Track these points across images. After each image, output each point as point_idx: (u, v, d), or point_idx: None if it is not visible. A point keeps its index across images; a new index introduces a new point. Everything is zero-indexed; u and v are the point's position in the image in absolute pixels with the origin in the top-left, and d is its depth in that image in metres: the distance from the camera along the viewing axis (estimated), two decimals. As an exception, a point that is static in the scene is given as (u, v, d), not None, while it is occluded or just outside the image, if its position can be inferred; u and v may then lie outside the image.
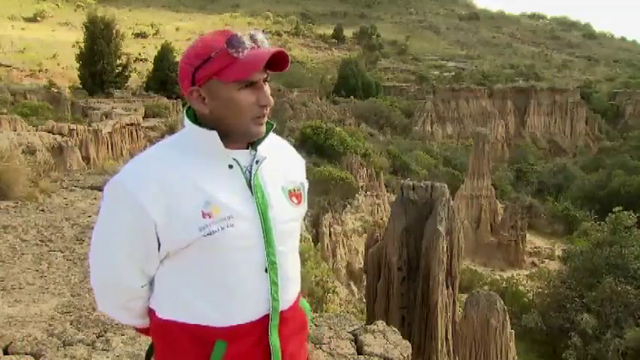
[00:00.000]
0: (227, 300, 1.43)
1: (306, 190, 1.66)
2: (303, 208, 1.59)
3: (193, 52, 1.42)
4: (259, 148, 1.49)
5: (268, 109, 1.45)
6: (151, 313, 1.52)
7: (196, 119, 1.46)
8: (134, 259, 1.44)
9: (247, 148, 1.48)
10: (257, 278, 1.44)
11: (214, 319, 1.42)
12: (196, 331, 1.42)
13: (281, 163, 1.56)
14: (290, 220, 1.52)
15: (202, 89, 1.42)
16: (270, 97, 1.44)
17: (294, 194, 1.55)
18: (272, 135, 1.58)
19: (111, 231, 1.44)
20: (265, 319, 1.46)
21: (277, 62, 1.43)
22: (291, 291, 1.54)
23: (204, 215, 1.37)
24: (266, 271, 1.45)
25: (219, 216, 1.39)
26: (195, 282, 1.43)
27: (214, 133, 1.42)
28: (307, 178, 1.68)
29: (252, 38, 1.41)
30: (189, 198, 1.38)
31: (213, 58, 1.39)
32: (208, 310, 1.42)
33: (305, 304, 1.68)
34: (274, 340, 1.48)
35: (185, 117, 1.48)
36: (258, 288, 1.45)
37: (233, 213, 1.40)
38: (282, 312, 1.49)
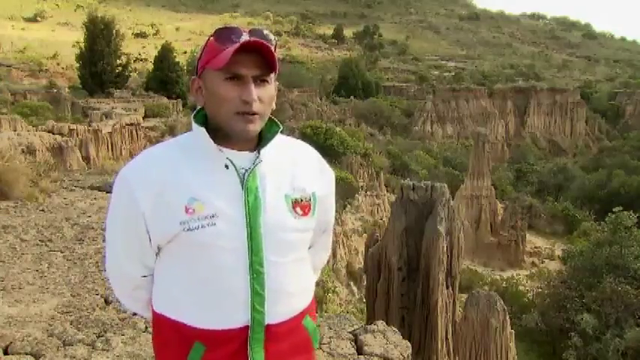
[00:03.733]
0: (206, 301, 1.40)
1: (326, 201, 1.58)
2: (311, 220, 1.50)
3: (202, 46, 1.47)
4: (264, 151, 1.44)
5: (254, 108, 1.38)
6: (151, 304, 1.55)
7: (206, 121, 1.47)
8: (131, 248, 1.47)
9: (254, 151, 1.46)
10: (237, 284, 1.39)
11: (195, 319, 1.40)
12: (179, 329, 1.42)
13: (290, 169, 1.49)
14: (290, 230, 1.44)
15: (201, 80, 1.45)
16: (254, 96, 1.37)
17: (299, 204, 1.47)
18: (291, 140, 1.56)
19: (112, 221, 1.49)
20: (246, 330, 1.41)
21: (268, 60, 1.39)
22: (284, 305, 1.45)
23: (187, 211, 1.36)
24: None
25: (203, 214, 1.36)
26: (180, 278, 1.43)
27: (203, 130, 1.42)
28: None
29: (253, 32, 1.41)
30: (176, 192, 1.38)
31: (207, 47, 1.42)
32: (190, 309, 1.41)
33: (311, 325, 1.55)
34: (257, 355, 1.41)
35: (192, 115, 1.49)
36: (238, 295, 1.39)
37: (217, 212, 1.37)
38: (270, 326, 1.42)
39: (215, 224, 1.37)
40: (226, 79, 1.38)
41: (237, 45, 1.34)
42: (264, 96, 1.41)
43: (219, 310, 1.40)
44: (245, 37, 1.37)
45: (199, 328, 1.40)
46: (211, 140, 1.41)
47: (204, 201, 1.37)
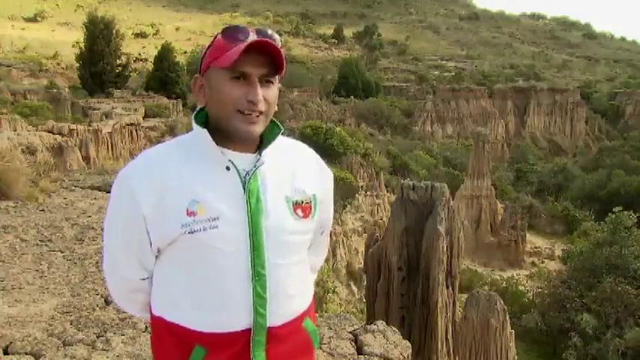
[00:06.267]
0: (207, 304, 1.38)
1: (325, 202, 1.56)
2: (312, 222, 1.49)
3: (207, 43, 1.46)
4: (265, 152, 1.43)
5: (260, 107, 1.37)
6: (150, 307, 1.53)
7: (207, 121, 1.45)
8: (129, 250, 1.44)
9: (255, 152, 1.45)
10: (240, 287, 1.37)
11: (195, 322, 1.39)
12: (179, 332, 1.40)
13: (291, 171, 1.47)
14: (291, 232, 1.43)
15: (204, 78, 1.44)
16: (260, 96, 1.36)
17: (299, 206, 1.45)
18: (289, 141, 1.55)
19: (111, 221, 1.47)
20: (248, 333, 1.39)
21: (276, 60, 1.39)
22: (285, 307, 1.44)
23: (188, 213, 1.35)
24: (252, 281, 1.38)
25: (205, 216, 1.35)
26: (180, 281, 1.41)
27: (204, 131, 1.40)
28: None
29: (259, 32, 1.40)
30: (177, 194, 1.36)
31: (212, 45, 1.41)
32: (191, 312, 1.39)
33: (311, 326, 1.54)
34: (258, 358, 1.40)
35: (192, 116, 1.48)
36: (240, 297, 1.38)
37: (219, 215, 1.36)
38: (272, 329, 1.41)
39: (217, 227, 1.35)
40: (232, 78, 1.36)
41: (246, 43, 1.33)
42: (269, 96, 1.40)
43: (221, 313, 1.38)
44: (253, 37, 1.36)
45: (200, 332, 1.39)
46: (213, 141, 1.40)
47: (206, 203, 1.36)
